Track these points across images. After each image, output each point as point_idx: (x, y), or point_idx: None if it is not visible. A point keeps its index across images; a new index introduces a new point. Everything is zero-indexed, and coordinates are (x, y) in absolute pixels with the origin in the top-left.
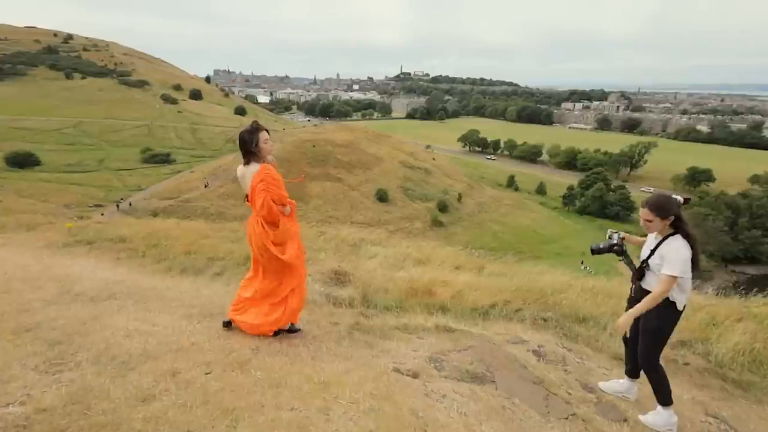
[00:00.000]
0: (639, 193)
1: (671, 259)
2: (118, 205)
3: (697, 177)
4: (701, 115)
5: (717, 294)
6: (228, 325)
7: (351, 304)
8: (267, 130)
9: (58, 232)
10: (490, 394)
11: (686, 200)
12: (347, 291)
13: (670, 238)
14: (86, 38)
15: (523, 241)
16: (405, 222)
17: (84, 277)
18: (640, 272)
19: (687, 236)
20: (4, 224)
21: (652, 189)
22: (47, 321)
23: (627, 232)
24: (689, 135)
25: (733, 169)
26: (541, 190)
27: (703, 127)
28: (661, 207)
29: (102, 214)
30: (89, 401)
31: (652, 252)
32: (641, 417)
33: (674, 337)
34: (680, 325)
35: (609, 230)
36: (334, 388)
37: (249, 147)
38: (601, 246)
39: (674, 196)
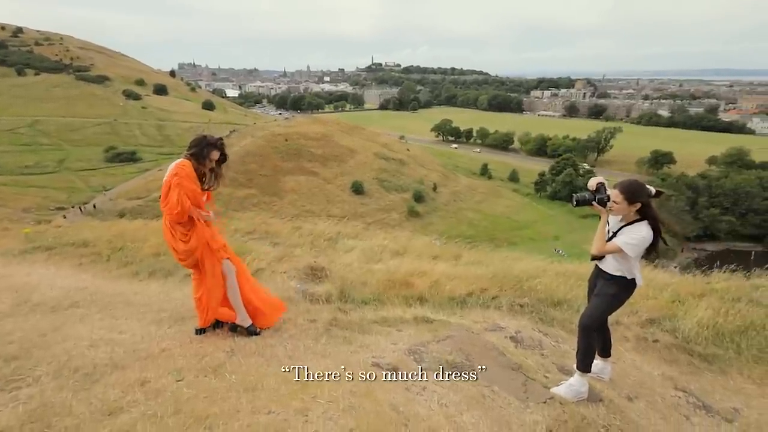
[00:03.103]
0: (605, 176)
1: (631, 236)
2: (81, 208)
3: (659, 160)
4: (662, 101)
5: (681, 271)
6: (201, 332)
7: (328, 299)
8: (226, 157)
9: (14, 238)
10: (470, 384)
11: (658, 193)
12: (324, 287)
13: (636, 223)
14: (38, 31)
15: (498, 228)
16: (382, 213)
17: (43, 286)
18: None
19: (653, 225)
20: None
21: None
22: (2, 335)
23: (593, 216)
24: (651, 119)
25: (692, 152)
26: (513, 178)
27: (664, 112)
28: (631, 191)
29: (64, 217)
30: (49, 418)
31: (614, 234)
32: (553, 389)
33: (643, 315)
34: (648, 303)
35: (597, 181)
36: (313, 388)
37: (198, 149)
38: (587, 197)
39: (649, 186)
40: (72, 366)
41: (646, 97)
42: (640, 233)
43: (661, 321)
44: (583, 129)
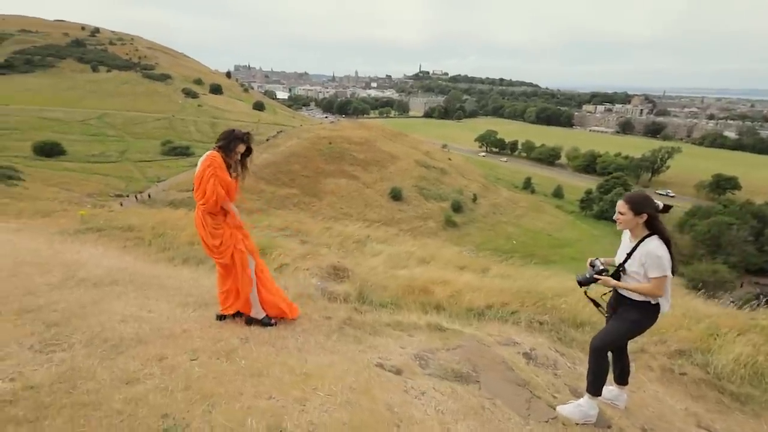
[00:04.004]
0: (658, 196)
1: (653, 260)
2: (136, 196)
3: (722, 184)
4: (729, 121)
5: (739, 306)
6: (221, 318)
7: (346, 299)
8: (251, 150)
9: (71, 219)
10: (472, 394)
11: (666, 207)
12: (344, 286)
13: (647, 239)
14: (112, 32)
15: (537, 245)
16: (418, 221)
17: (90, 264)
18: (615, 276)
19: (663, 238)
20: (22, 210)
21: (670, 192)
22: (49, 304)
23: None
24: (715, 141)
25: (761, 178)
26: (558, 194)
27: (731, 133)
28: (636, 202)
29: (121, 204)
30: (75, 381)
31: (629, 255)
32: (559, 407)
33: (672, 345)
34: (680, 334)
35: (589, 259)
36: (314, 380)
37: (225, 142)
38: (588, 276)
39: (656, 201)
40: (103, 337)
41: (711, 117)
42: (656, 252)
43: (692, 354)
44: (638, 147)
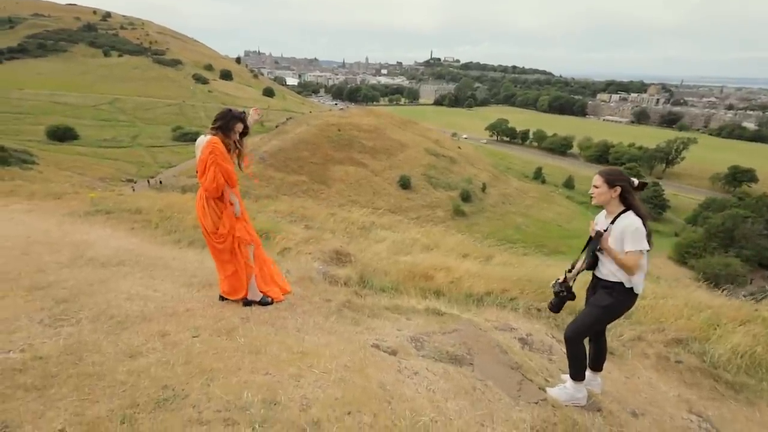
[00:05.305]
0: (672, 190)
1: (631, 233)
2: (148, 181)
3: (738, 177)
4: (749, 111)
5: (754, 300)
6: (224, 298)
7: (347, 283)
8: (248, 129)
9: (82, 201)
10: (464, 375)
11: (642, 185)
12: (345, 270)
13: (623, 215)
14: (123, 16)
15: (547, 235)
16: (427, 210)
17: (98, 244)
18: (594, 259)
19: (639, 213)
20: (35, 192)
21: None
22: (59, 281)
23: (656, 232)
24: (734, 132)
25: None
26: (569, 184)
27: (750, 124)
28: (609, 174)
29: (132, 189)
30: (82, 353)
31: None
32: (548, 389)
33: (670, 333)
34: (679, 323)
35: (551, 282)
36: (311, 358)
37: (224, 122)
38: (553, 302)
39: (632, 178)
40: (109, 313)
41: (729, 107)
42: (634, 224)
43: (690, 342)
44: (653, 138)
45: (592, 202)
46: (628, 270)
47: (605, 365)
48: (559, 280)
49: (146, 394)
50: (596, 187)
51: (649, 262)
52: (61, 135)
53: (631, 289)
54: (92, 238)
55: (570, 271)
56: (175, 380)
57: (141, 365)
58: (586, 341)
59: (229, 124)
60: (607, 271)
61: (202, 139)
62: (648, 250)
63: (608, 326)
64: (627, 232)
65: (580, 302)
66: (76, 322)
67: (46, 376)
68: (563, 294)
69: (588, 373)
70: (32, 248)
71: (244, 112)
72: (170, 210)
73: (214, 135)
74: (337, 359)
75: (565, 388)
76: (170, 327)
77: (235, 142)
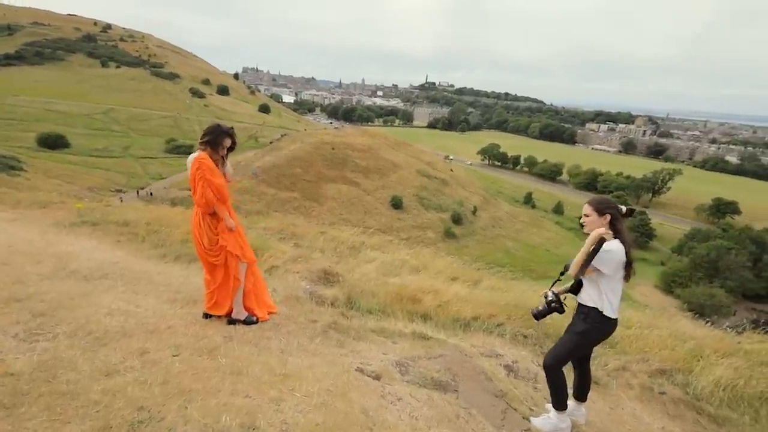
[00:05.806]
0: (659, 219)
1: (603, 252)
2: (138, 192)
3: (722, 208)
4: (731, 146)
5: (736, 332)
6: (208, 316)
7: (334, 303)
8: (235, 144)
9: (68, 211)
10: (448, 402)
11: (630, 211)
12: (333, 291)
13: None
14: (124, 29)
15: (535, 260)
16: (417, 231)
17: (82, 256)
18: (578, 284)
19: (622, 239)
20: (20, 200)
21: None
22: (38, 294)
23: (643, 260)
24: (717, 165)
25: (761, 204)
26: (558, 210)
27: (733, 158)
28: (599, 203)
29: (121, 200)
30: (56, 370)
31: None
32: (532, 419)
33: (654, 364)
34: (663, 353)
35: (543, 291)
36: (293, 381)
37: (212, 137)
38: (540, 309)
39: (620, 205)
40: (87, 329)
41: (713, 141)
42: (607, 247)
43: (673, 373)
44: (640, 168)
45: (584, 230)
46: (577, 265)
47: (590, 395)
48: (554, 291)
49: (120, 415)
50: (587, 215)
51: (635, 290)
52: (52, 143)
53: (608, 316)
54: (76, 249)
55: (560, 277)
56: (152, 401)
57: (117, 384)
58: (570, 370)
59: (218, 139)
60: (586, 296)
61: (192, 156)
62: (626, 281)
63: (593, 355)
64: (602, 251)
65: (560, 329)
66: (53, 338)
67: (17, 394)
68: (555, 305)
69: (572, 403)
70: (13, 258)
71: (231, 128)
72: (158, 223)
73: (202, 150)
74: (320, 382)
75: (548, 418)
76: (150, 344)
77: (223, 157)
